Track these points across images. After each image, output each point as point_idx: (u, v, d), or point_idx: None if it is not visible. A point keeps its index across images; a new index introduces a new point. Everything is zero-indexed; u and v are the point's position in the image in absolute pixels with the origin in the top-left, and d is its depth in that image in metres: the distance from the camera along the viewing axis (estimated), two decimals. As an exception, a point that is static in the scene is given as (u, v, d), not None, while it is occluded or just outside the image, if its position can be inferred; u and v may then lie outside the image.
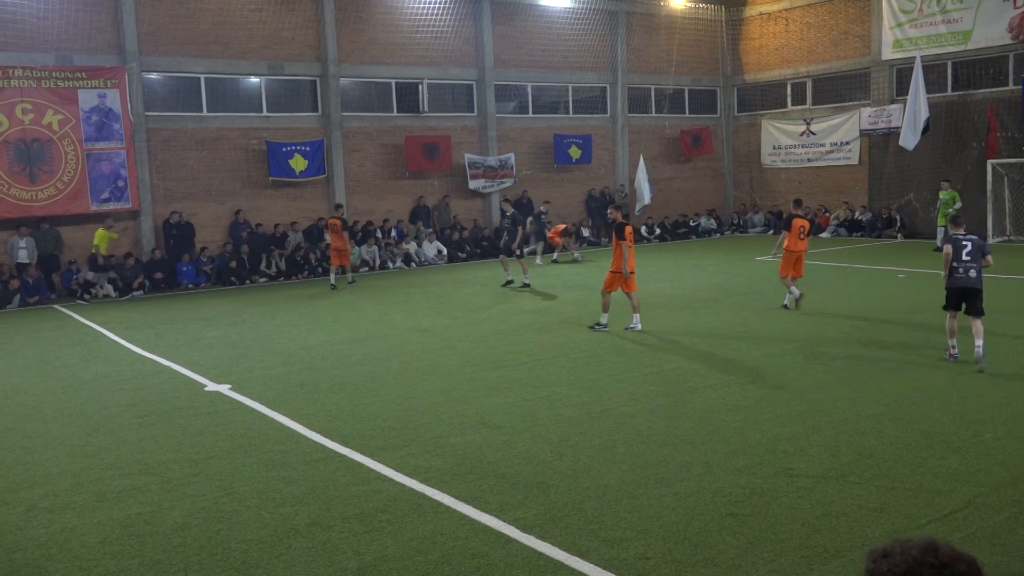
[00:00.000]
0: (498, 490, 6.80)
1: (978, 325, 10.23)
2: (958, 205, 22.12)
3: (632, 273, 13.46)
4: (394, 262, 24.24)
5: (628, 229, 13.27)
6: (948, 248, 10.43)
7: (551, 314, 15.30)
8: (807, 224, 14.95)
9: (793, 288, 14.65)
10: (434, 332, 14.00)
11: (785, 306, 14.70)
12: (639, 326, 13.37)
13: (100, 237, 20.78)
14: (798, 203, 16.10)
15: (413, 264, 24.46)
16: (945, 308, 10.63)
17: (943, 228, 21.94)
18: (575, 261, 23.79)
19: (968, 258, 10.28)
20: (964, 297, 10.38)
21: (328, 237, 21.01)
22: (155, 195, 21.94)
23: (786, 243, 14.67)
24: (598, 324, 13.62)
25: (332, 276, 20.35)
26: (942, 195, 22.74)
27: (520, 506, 6.46)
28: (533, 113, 28.43)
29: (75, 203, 20.65)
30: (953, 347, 10.61)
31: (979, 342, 10.09)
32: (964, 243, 10.35)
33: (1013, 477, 6.71)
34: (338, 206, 21.79)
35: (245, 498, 6.86)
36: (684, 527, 5.98)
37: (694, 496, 6.52)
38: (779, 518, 6.07)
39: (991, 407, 8.58)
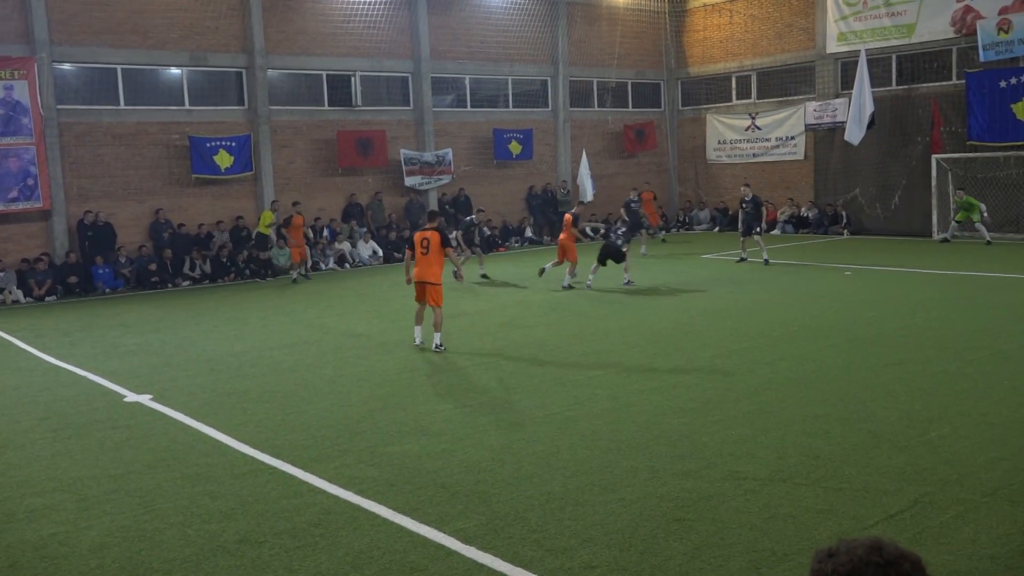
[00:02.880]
0: (438, 500, 6.79)
1: None
2: (983, 207, 23.26)
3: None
4: (327, 263, 24.02)
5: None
6: None
7: (491, 316, 15.32)
8: (569, 218, 18.69)
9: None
10: (370, 336, 13.92)
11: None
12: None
13: (265, 219, 22.90)
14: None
15: (347, 265, 24.27)
16: None
17: (957, 223, 23.89)
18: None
19: None
20: None
21: (288, 235, 21.97)
22: (68, 194, 21.38)
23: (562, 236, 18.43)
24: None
25: (294, 273, 21.71)
26: (959, 201, 23.63)
27: (461, 516, 6.46)
28: (471, 107, 28.44)
29: (-20, 203, 20.04)
30: None
31: None
32: None
33: (959, 475, 6.91)
34: (294, 203, 22.78)
35: (168, 515, 6.73)
36: (630, 534, 6.04)
37: (640, 502, 6.58)
38: (726, 522, 6.17)
39: (937, 405, 8.83)
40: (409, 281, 12.85)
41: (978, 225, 23.12)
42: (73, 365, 12.54)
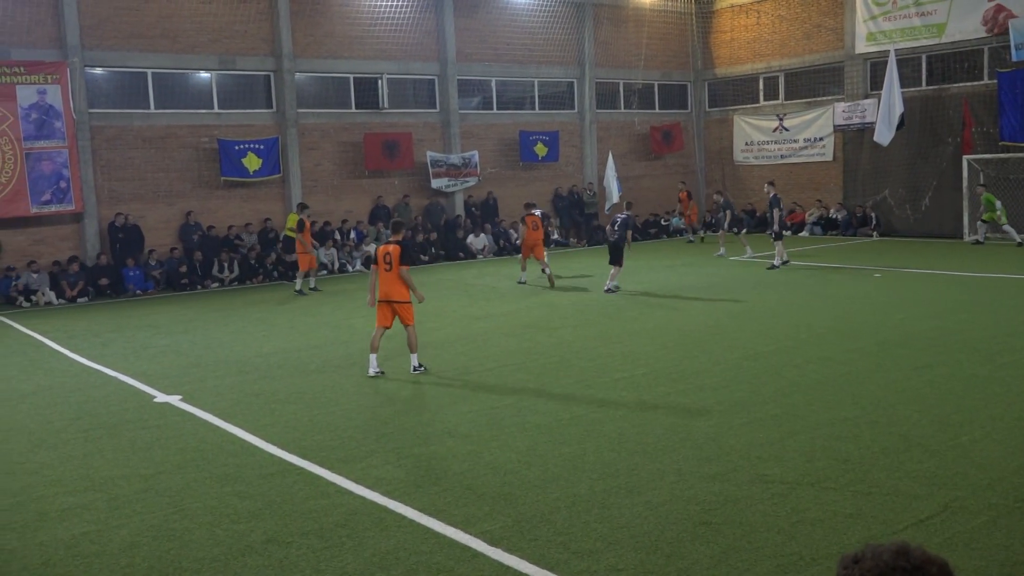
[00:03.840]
0: (464, 502, 6.80)
1: None
2: (998, 204, 23.11)
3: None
4: (353, 265, 24.14)
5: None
6: None
7: (516, 318, 15.32)
8: (538, 219, 19.55)
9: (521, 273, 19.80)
10: (395, 338, 13.95)
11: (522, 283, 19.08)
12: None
13: (291, 222, 21.81)
14: (529, 206, 19.99)
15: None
16: None
17: (983, 223, 23.58)
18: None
19: None
20: None
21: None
22: (100, 196, 21.65)
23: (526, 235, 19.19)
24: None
25: (299, 282, 19.96)
26: (982, 198, 23.42)
27: (487, 518, 6.47)
28: (497, 109, 28.46)
29: (14, 206, 20.31)
30: None
31: None
32: None
33: (991, 480, 6.83)
34: (301, 207, 20.94)
35: (197, 515, 6.79)
36: (656, 537, 6.02)
37: (666, 505, 6.56)
38: (753, 526, 6.14)
39: (969, 409, 8.73)
40: (372, 302, 11.60)
41: (1006, 227, 22.89)
42: (104, 366, 12.69)
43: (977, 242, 23.74)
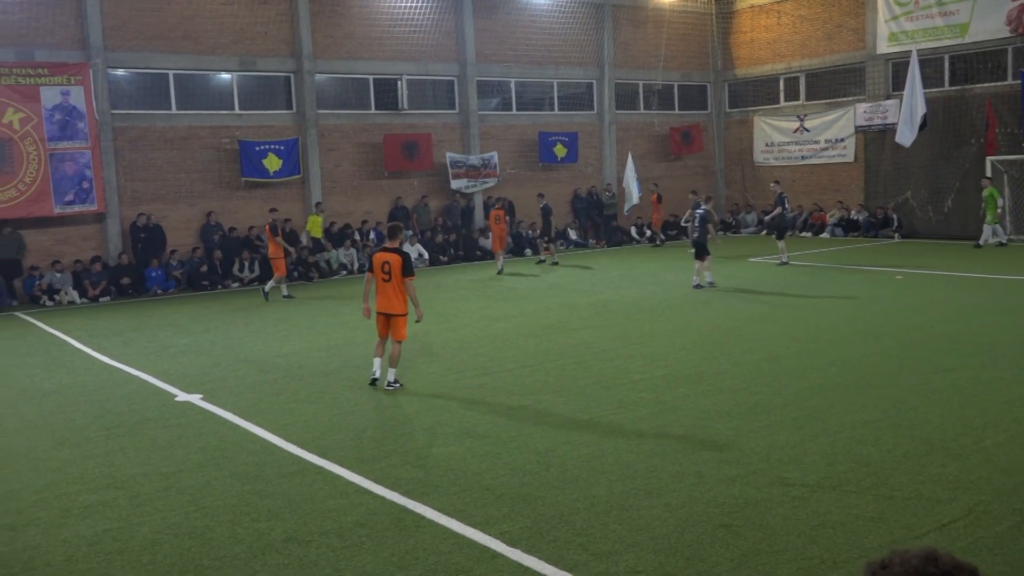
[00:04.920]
0: (483, 502, 6.80)
1: None
2: (1001, 202, 22.84)
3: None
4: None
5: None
6: None
7: (536, 319, 15.31)
8: (500, 213, 22.26)
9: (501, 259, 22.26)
10: (414, 338, 13.96)
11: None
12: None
13: (312, 222, 23.08)
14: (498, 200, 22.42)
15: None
16: None
17: (990, 227, 23.11)
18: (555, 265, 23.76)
19: None
20: None
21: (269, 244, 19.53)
22: (122, 197, 21.81)
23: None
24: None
25: (271, 284, 19.23)
26: (984, 193, 23.09)
27: (506, 519, 6.46)
28: (517, 110, 28.47)
29: (38, 206, 20.49)
30: None
31: None
32: None
33: (1015, 484, 6.76)
34: (271, 210, 20.85)
35: (218, 513, 6.83)
36: (676, 539, 6.00)
37: (686, 507, 6.54)
38: (774, 529, 6.10)
39: (992, 412, 8.65)
40: (367, 313, 10.92)
41: (987, 225, 22.85)
42: (126, 365, 12.78)
43: (1000, 244, 23.52)
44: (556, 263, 23.63)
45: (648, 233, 29.42)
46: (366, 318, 11.05)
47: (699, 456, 7.67)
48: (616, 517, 6.41)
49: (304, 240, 23.52)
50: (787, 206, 21.78)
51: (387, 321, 10.55)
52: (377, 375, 10.69)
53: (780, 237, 21.23)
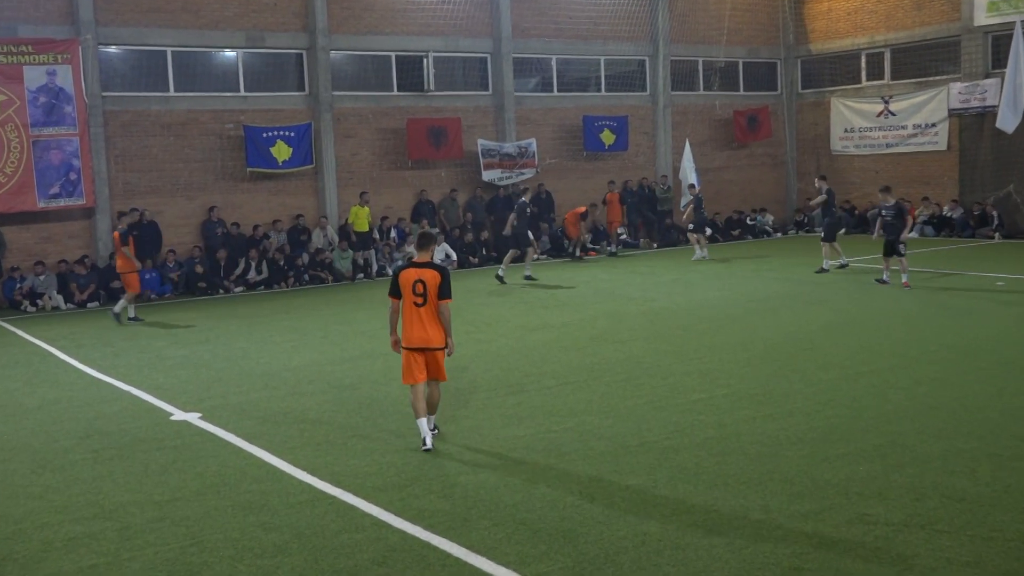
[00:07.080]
0: (517, 539, 6.80)
1: None
2: None
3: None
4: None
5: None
6: None
7: (580, 329, 15.30)
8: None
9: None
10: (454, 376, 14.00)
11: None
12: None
13: (356, 214, 23.53)
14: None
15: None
16: None
17: None
18: (612, 255, 23.68)
19: None
20: None
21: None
22: (113, 190, 22.11)
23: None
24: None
25: (121, 304, 18.00)
26: None
27: (543, 558, 6.45)
28: (558, 91, 28.49)
29: (19, 199, 20.79)
30: None
31: None
32: None
33: None
34: (121, 214, 19.09)
35: (217, 548, 6.88)
36: (739, 584, 5.96)
37: (750, 548, 6.49)
38: (853, 574, 6.04)
39: (1108, 441, 8.51)
40: (396, 344, 9.44)
41: None
42: (116, 379, 12.94)
43: None
44: (614, 253, 26.11)
45: (708, 231, 29.18)
46: (396, 352, 9.57)
47: (766, 489, 7.62)
48: (669, 558, 6.38)
49: (326, 237, 23.61)
50: (835, 204, 22.27)
51: (424, 359, 9.18)
52: (430, 444, 9.04)
53: (829, 239, 21.22)
